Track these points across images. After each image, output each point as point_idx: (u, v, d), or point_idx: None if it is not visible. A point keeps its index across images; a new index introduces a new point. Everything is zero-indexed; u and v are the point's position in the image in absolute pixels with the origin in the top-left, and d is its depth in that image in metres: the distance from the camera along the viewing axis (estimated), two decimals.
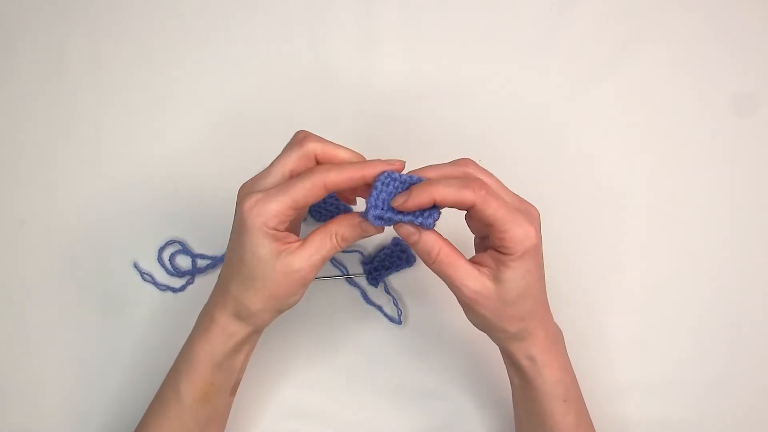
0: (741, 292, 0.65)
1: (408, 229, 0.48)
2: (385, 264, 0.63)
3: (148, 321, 0.64)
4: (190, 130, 0.67)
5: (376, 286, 0.65)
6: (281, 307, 0.51)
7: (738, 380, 0.64)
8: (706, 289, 0.65)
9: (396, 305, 0.64)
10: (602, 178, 0.66)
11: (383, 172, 0.47)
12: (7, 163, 0.67)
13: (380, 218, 0.48)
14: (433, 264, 0.49)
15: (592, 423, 0.56)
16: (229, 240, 0.51)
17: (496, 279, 0.48)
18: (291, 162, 0.49)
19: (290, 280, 0.48)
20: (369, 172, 0.47)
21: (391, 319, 0.64)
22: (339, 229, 0.49)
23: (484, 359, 0.63)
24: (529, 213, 0.49)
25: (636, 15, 0.69)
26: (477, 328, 0.53)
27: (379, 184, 0.47)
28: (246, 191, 0.49)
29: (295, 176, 0.49)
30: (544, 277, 0.51)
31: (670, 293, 0.65)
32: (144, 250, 0.65)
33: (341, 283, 0.65)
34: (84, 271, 0.65)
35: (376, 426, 0.63)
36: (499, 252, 0.48)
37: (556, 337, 0.53)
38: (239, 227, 0.48)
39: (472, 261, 0.49)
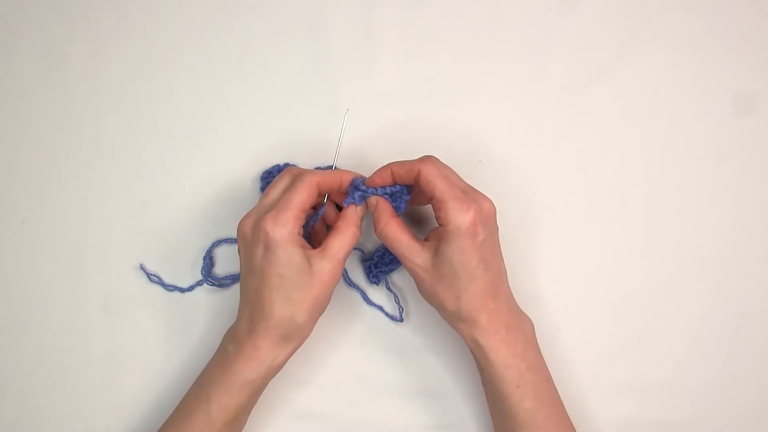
0: (741, 292, 0.65)
1: (372, 199, 0.56)
2: (385, 261, 0.63)
3: (152, 321, 0.65)
4: (190, 129, 0.67)
5: (377, 284, 0.64)
6: (321, 313, 0.55)
7: (738, 380, 0.64)
8: (706, 288, 0.65)
9: (397, 302, 0.64)
10: (602, 178, 0.66)
11: (356, 177, 0.57)
12: (7, 163, 0.67)
13: (363, 196, 0.56)
14: (380, 233, 0.55)
15: (561, 411, 0.56)
16: (249, 274, 0.53)
17: (435, 252, 0.53)
18: (299, 193, 0.53)
19: (325, 281, 0.53)
20: (346, 177, 0.56)
21: (392, 317, 0.64)
22: (345, 222, 0.55)
23: None
24: (476, 200, 0.52)
25: (636, 15, 0.69)
26: (426, 302, 0.57)
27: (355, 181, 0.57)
28: (252, 219, 0.53)
29: (283, 191, 0.54)
30: (490, 265, 0.53)
31: (670, 293, 0.65)
32: (145, 250, 0.65)
33: (341, 283, 0.65)
34: (85, 272, 0.65)
35: (376, 426, 0.63)
36: (440, 226, 0.53)
37: (509, 325, 0.54)
38: (266, 249, 0.51)
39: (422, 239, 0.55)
